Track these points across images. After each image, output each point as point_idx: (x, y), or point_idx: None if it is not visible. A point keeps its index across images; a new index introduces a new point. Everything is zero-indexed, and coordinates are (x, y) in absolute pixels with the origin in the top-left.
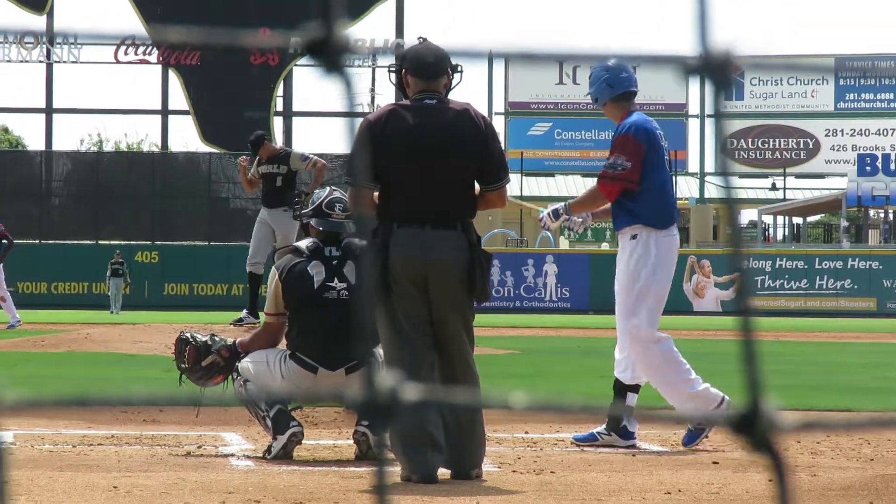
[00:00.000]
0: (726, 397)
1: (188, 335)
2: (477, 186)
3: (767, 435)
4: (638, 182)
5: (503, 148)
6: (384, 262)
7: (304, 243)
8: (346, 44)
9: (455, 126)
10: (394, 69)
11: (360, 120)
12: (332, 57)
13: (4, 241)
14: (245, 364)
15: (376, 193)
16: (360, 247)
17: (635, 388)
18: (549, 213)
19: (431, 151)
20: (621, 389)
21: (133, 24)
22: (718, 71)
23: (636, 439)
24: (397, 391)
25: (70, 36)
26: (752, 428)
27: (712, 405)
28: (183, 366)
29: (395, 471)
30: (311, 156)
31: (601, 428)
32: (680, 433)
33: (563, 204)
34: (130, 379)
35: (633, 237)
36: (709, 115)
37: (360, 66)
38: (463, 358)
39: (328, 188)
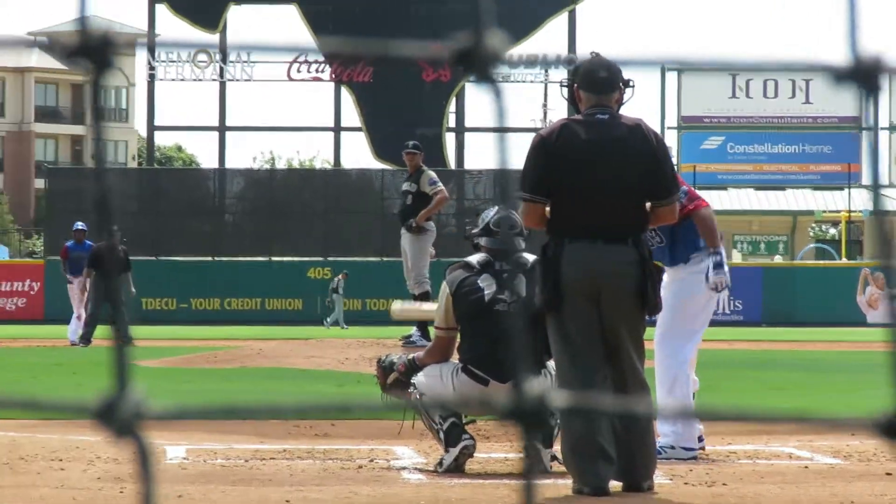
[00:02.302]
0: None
1: (383, 357)
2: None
3: None
4: None
5: (676, 162)
6: (556, 276)
7: (475, 258)
8: (495, 54)
9: (627, 141)
10: (566, 84)
11: (530, 136)
12: (481, 67)
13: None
14: (420, 378)
15: (548, 208)
16: (531, 262)
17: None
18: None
19: (603, 166)
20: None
21: (306, 41)
22: (868, 77)
23: (697, 451)
24: (545, 398)
25: (243, 52)
26: None
27: (693, 434)
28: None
29: (567, 483)
30: (439, 184)
31: (665, 441)
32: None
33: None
34: (304, 394)
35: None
36: (882, 128)
37: (532, 80)
38: (634, 371)
39: (496, 207)
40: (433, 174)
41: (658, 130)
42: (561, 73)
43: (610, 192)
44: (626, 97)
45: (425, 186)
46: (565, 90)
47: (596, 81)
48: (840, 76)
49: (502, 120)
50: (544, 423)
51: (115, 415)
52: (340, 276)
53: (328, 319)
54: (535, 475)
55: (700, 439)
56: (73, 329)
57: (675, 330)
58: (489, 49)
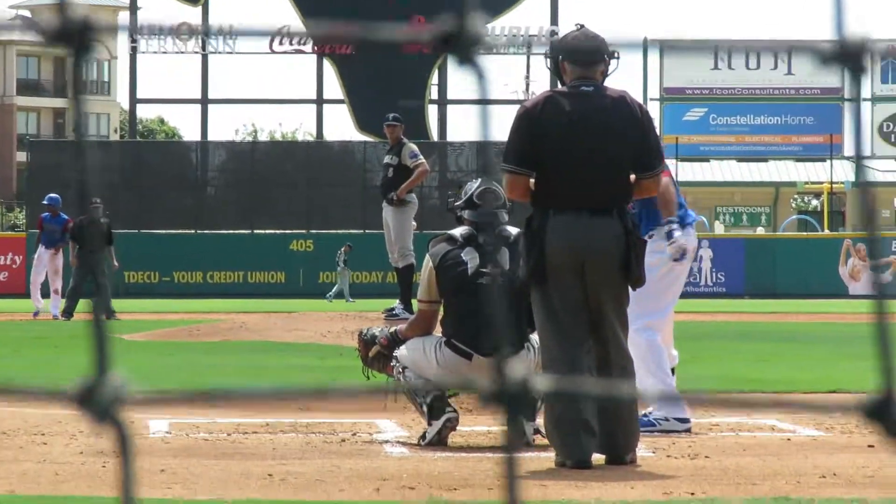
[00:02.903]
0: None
1: (364, 329)
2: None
3: None
4: None
5: (658, 133)
6: (540, 248)
7: (458, 231)
8: (478, 36)
9: (612, 113)
10: (551, 55)
11: (513, 108)
12: (463, 50)
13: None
14: (402, 351)
15: (532, 180)
16: (514, 235)
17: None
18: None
19: (588, 138)
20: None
21: (288, 14)
22: (854, 58)
23: (691, 423)
24: (528, 381)
25: (226, 24)
26: (885, 415)
27: (682, 404)
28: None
29: (549, 456)
30: (420, 157)
31: (658, 414)
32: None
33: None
34: (286, 367)
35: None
36: (865, 99)
37: (514, 53)
38: (618, 342)
39: (479, 179)
40: (414, 147)
41: (641, 102)
42: (543, 47)
43: (594, 164)
44: (610, 69)
45: (406, 159)
46: (550, 62)
47: (581, 54)
48: (826, 58)
49: (485, 97)
50: (527, 407)
51: (94, 399)
52: (343, 249)
53: (330, 293)
54: (516, 449)
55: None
56: (54, 303)
57: (643, 307)
58: (472, 32)
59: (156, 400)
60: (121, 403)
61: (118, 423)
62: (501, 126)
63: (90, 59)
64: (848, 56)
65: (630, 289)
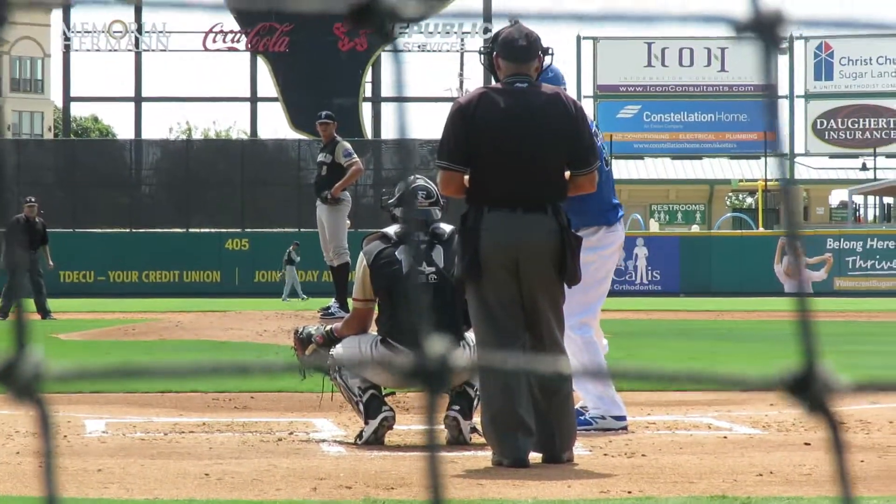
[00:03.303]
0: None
1: (300, 328)
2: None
3: (822, 396)
4: None
5: (595, 131)
6: (475, 245)
7: (391, 229)
8: (393, 11)
9: (546, 110)
10: (485, 51)
11: (446, 105)
12: (377, 22)
13: None
14: (338, 350)
15: (467, 177)
16: (449, 232)
17: None
18: None
19: (522, 135)
20: None
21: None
22: (768, 30)
23: (627, 422)
24: (447, 357)
25: (159, 23)
26: (806, 389)
27: (619, 402)
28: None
29: (487, 455)
30: (354, 155)
31: (595, 412)
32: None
33: None
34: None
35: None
36: (798, 96)
37: (448, 50)
38: (553, 339)
39: (412, 176)
40: (348, 145)
41: (575, 99)
42: (477, 42)
43: (529, 161)
44: (545, 65)
45: (340, 158)
46: (484, 58)
47: (515, 50)
48: (740, 28)
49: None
50: (446, 383)
51: (14, 376)
52: (291, 248)
53: (284, 293)
54: (438, 447)
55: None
56: None
57: (577, 303)
58: (387, 5)
59: (74, 374)
60: (40, 380)
61: (38, 401)
62: (436, 123)
63: (4, 28)
64: (763, 26)
65: (565, 286)
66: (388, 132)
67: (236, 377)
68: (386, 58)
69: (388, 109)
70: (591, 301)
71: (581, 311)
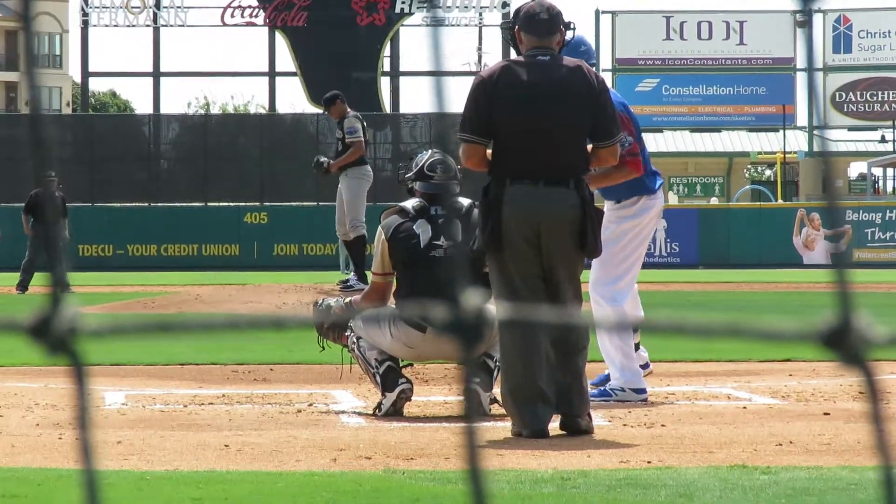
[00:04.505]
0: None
1: (320, 300)
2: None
3: (859, 349)
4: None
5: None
6: (497, 218)
7: (409, 203)
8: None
9: (568, 82)
10: (507, 26)
11: (466, 80)
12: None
13: None
14: (357, 322)
15: (489, 150)
16: (466, 206)
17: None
18: None
19: (544, 107)
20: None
21: None
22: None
23: (647, 395)
24: (483, 311)
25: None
26: (843, 341)
27: (640, 374)
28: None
29: (506, 426)
30: (358, 132)
31: (615, 384)
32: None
33: None
34: (241, 338)
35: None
36: (817, 69)
37: (466, 24)
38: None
39: (430, 150)
40: (355, 122)
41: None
42: (496, 17)
43: (551, 134)
44: (567, 39)
45: (345, 132)
46: (507, 32)
47: (537, 23)
48: None
49: (439, 60)
50: (482, 337)
51: (49, 330)
52: None
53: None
54: (475, 418)
55: (646, 366)
56: None
57: (608, 273)
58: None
59: (110, 329)
60: (75, 334)
61: (73, 353)
62: (456, 97)
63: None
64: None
65: (587, 259)
66: (411, 106)
67: (272, 331)
68: (423, 31)
69: (408, 84)
70: (626, 269)
71: (613, 280)
